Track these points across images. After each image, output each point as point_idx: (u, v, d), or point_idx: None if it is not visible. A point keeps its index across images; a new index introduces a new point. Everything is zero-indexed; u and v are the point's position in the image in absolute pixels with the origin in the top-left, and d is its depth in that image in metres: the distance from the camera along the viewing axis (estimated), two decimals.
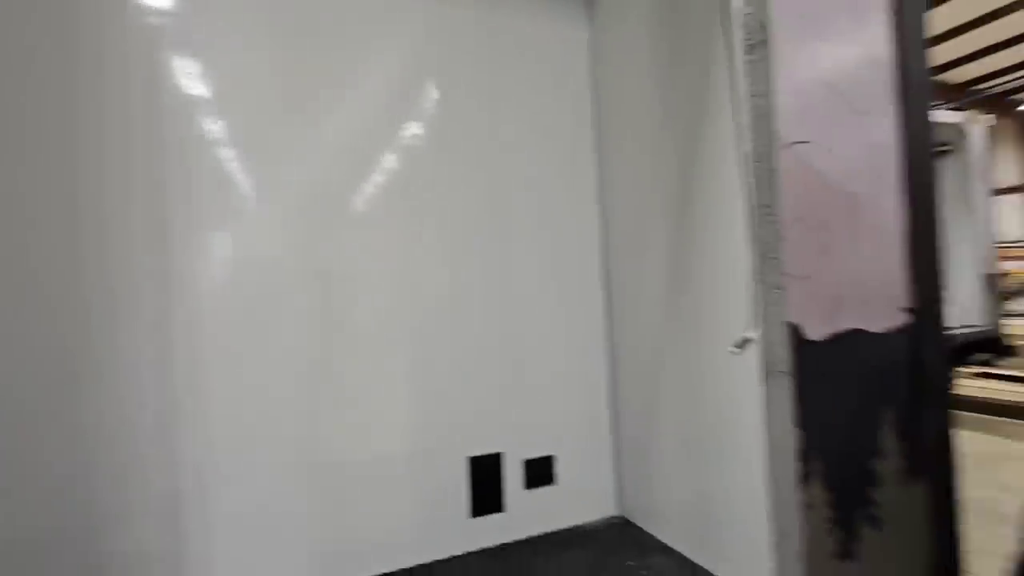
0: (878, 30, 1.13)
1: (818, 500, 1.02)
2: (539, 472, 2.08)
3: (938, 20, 11.12)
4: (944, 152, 6.00)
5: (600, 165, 2.27)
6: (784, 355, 1.01)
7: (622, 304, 2.18)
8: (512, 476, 2.05)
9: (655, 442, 2.00)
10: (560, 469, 2.12)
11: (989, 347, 5.99)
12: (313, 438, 1.79)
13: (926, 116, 1.17)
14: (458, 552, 1.94)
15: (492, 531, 1.99)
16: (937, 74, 13.54)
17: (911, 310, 1.13)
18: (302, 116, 1.85)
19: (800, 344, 1.02)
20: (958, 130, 5.76)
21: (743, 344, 1.36)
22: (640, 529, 2.06)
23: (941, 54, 12.72)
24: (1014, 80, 13.54)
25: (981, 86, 13.88)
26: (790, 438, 1.01)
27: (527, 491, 2.06)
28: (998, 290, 6.12)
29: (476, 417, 2.02)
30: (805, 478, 1.01)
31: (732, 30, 1.11)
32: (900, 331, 1.12)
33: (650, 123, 1.97)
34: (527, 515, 2.05)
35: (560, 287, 2.19)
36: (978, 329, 5.84)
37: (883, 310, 1.11)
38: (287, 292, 1.79)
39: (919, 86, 1.16)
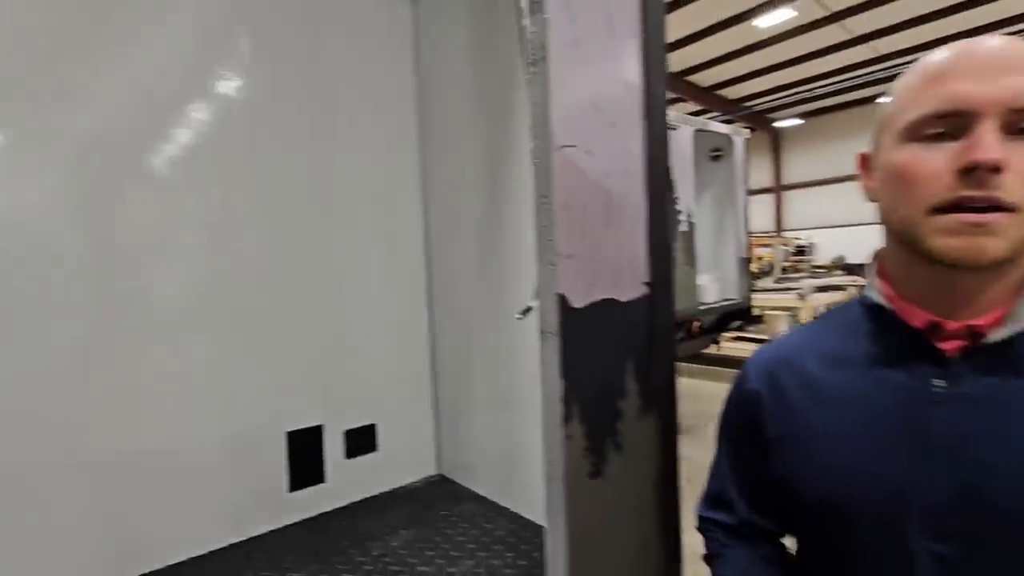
0: (631, 62, 1.42)
1: (576, 433, 1.29)
2: (361, 441, 2.16)
3: (716, 44, 13.28)
4: (716, 157, 7.28)
5: (422, 141, 2.37)
6: (554, 320, 1.25)
7: (442, 275, 2.33)
8: (334, 447, 2.10)
9: (469, 402, 2.22)
10: (383, 436, 2.23)
11: (742, 316, 7.51)
12: (96, 431, 1.62)
13: (664, 131, 1.51)
14: (276, 526, 1.94)
15: (313, 502, 2.03)
16: (717, 89, 16.20)
17: (649, 284, 1.47)
18: (82, 53, 1.61)
19: (566, 311, 1.27)
20: (727, 139, 6.99)
21: (526, 311, 1.61)
22: (457, 484, 2.28)
23: (719, 73, 15.26)
24: (770, 101, 16.90)
25: (749, 103, 17.01)
26: (557, 387, 1.25)
27: (349, 460, 2.13)
28: (750, 271, 7.65)
29: (296, 392, 2.01)
30: (567, 418, 1.27)
31: (524, 43, 1.29)
32: (641, 300, 1.45)
33: (467, 109, 2.11)
34: (349, 483, 2.13)
35: (382, 259, 2.26)
36: (735, 302, 7.24)
37: (629, 284, 1.42)
38: (57, 263, 1.57)
39: (659, 107, 1.48)
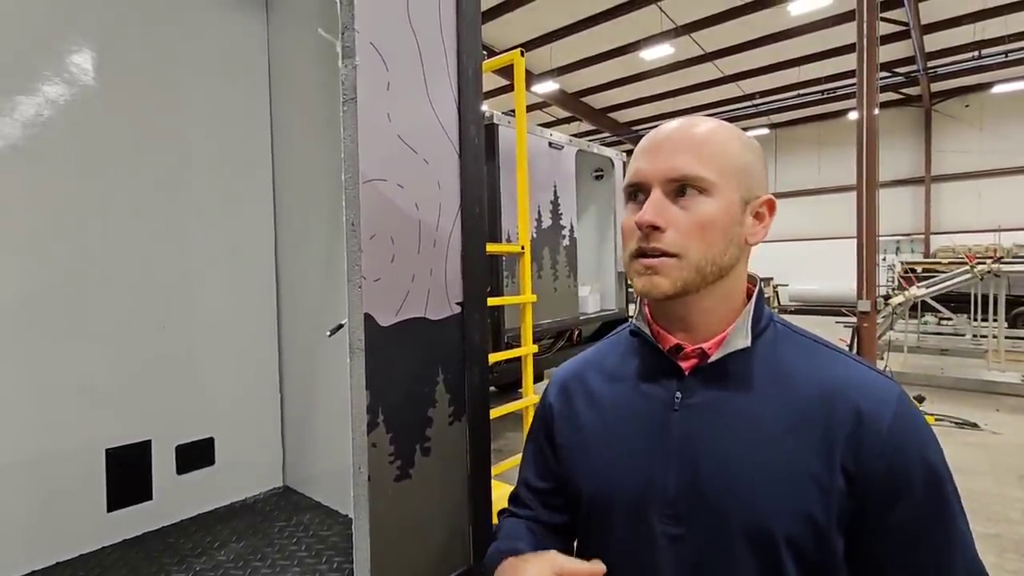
0: (445, 107, 1.58)
1: (381, 441, 1.41)
2: (195, 455, 2.11)
3: (608, 70, 14.22)
4: (599, 177, 7.82)
5: (276, 151, 2.37)
6: (360, 337, 1.36)
7: (291, 289, 2.34)
8: (164, 463, 2.04)
9: (315, 414, 2.26)
10: (221, 449, 2.19)
11: (620, 325, 8.09)
12: None
13: (480, 168, 1.69)
14: (91, 549, 1.85)
15: (136, 521, 1.95)
16: (608, 112, 17.31)
17: (462, 304, 1.64)
18: None
19: (373, 329, 1.39)
20: (609, 161, 7.54)
21: (336, 329, 1.71)
22: (301, 495, 2.30)
23: (610, 97, 16.33)
24: (656, 126, 18.34)
25: (637, 127, 18.35)
26: (362, 398, 1.37)
27: (181, 476, 2.08)
28: (626, 283, 8.26)
29: (119, 406, 1.93)
30: (372, 426, 1.39)
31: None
32: (453, 318, 1.61)
33: (319, 120, 2.14)
34: (180, 500, 2.07)
35: (228, 270, 2.22)
36: (613, 311, 7.77)
37: (441, 304, 1.58)
38: None
39: (474, 146, 1.66)
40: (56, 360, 1.79)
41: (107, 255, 1.91)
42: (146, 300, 2.00)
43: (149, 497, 2.00)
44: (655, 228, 0.72)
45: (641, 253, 0.74)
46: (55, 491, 1.78)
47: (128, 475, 1.94)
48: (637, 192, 0.77)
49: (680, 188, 0.73)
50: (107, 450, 1.89)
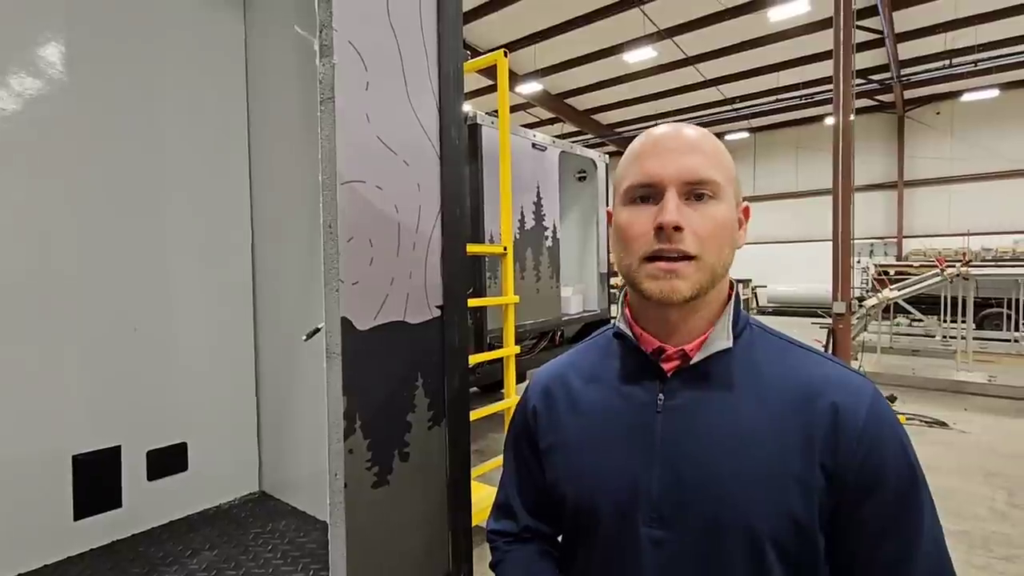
0: (426, 108, 1.57)
1: (358, 447, 1.39)
2: (167, 461, 2.06)
3: (591, 72, 14.30)
4: (582, 178, 7.84)
5: (253, 151, 2.33)
6: (337, 341, 1.34)
7: (268, 293, 2.31)
8: (134, 469, 1.98)
9: (292, 418, 2.22)
10: (195, 454, 2.14)
11: (602, 326, 8.14)
12: None
13: (461, 169, 1.68)
14: (56, 559, 1.79)
15: (105, 530, 1.90)
16: (592, 114, 17.39)
17: (441, 307, 1.62)
18: None
19: (351, 333, 1.36)
20: (592, 162, 7.55)
21: (313, 333, 1.68)
22: (277, 500, 2.26)
23: (593, 99, 16.42)
24: (638, 129, 18.49)
25: (620, 129, 18.47)
26: (339, 404, 1.34)
27: (152, 482, 2.02)
28: (609, 284, 8.29)
29: (88, 411, 1.88)
30: (348, 432, 1.36)
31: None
32: (433, 322, 1.59)
33: (297, 119, 2.12)
34: (152, 507, 2.02)
35: (203, 274, 2.18)
36: (595, 312, 7.79)
37: (420, 307, 1.56)
38: None
39: (455, 147, 1.64)
40: (19, 361, 1.73)
41: (76, 255, 1.85)
42: (117, 301, 1.95)
43: (118, 504, 1.94)
44: (677, 229, 0.71)
45: (658, 256, 0.72)
46: (17, 499, 1.72)
47: (96, 482, 1.88)
48: (646, 194, 0.75)
49: (695, 191, 0.73)
50: (74, 456, 1.83)
